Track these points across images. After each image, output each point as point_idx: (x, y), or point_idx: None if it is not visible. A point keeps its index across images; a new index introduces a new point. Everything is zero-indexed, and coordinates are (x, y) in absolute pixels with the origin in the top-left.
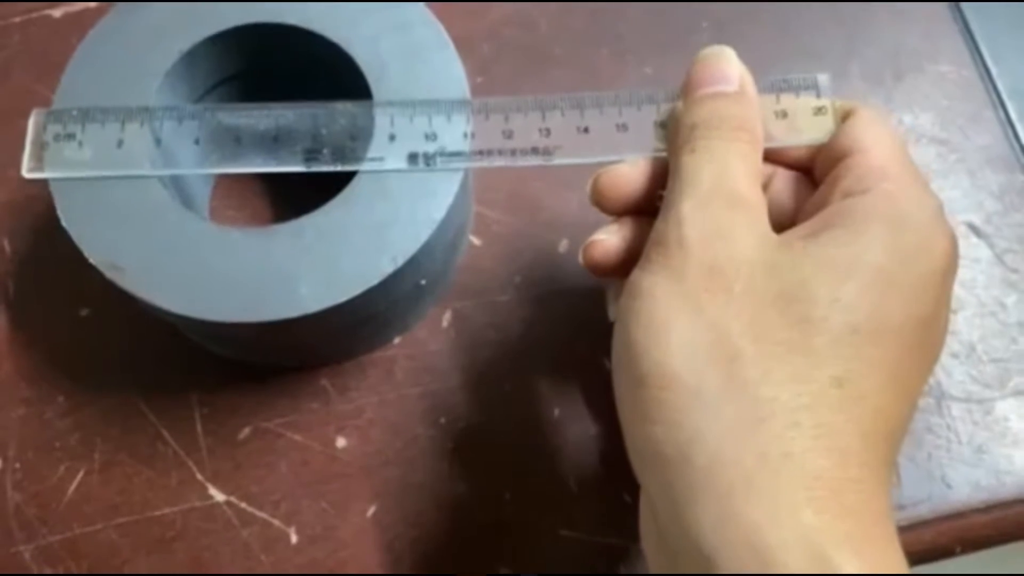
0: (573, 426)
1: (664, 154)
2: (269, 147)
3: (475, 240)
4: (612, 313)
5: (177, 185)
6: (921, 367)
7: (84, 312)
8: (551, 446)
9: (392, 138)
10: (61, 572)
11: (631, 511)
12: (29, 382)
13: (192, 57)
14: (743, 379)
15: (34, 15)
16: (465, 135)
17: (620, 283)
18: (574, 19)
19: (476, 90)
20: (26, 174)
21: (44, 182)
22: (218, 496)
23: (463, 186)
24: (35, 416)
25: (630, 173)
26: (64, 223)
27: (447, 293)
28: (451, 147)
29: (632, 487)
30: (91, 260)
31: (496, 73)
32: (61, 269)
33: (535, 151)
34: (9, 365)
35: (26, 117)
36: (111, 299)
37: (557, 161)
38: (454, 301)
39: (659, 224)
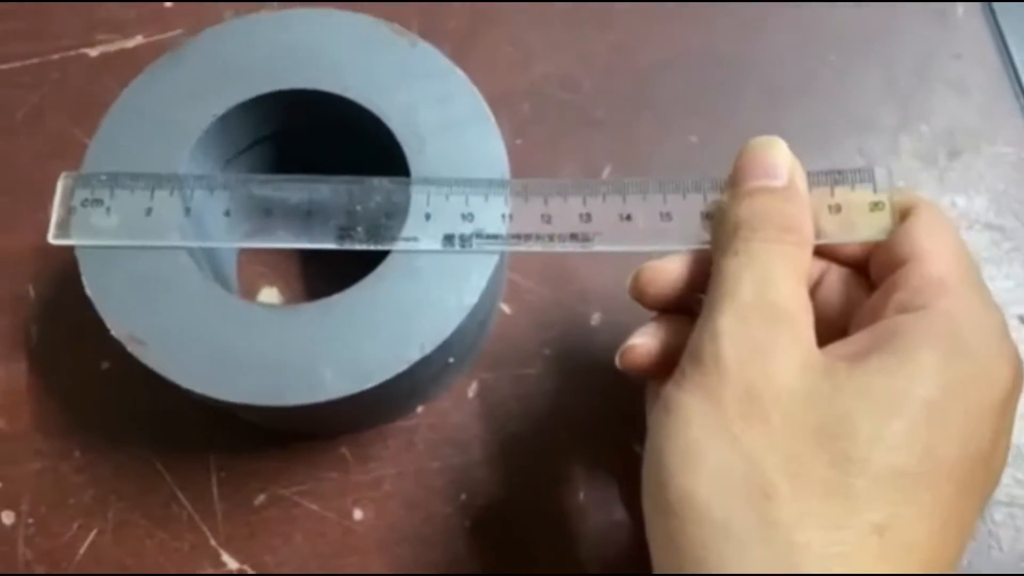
0: (598, 512)
1: (709, 247)
2: (301, 221)
3: (506, 308)
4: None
5: (205, 247)
6: (975, 504)
7: (105, 365)
8: (574, 532)
9: (428, 217)
10: None
11: None
12: (45, 434)
13: (226, 120)
14: (775, 519)
15: (71, 53)
16: (503, 217)
17: (657, 384)
18: (619, 81)
19: (514, 152)
20: (52, 240)
21: None
22: (231, 564)
23: (498, 267)
24: (50, 470)
25: (672, 269)
26: (88, 292)
27: (474, 364)
28: (488, 229)
29: None
30: (113, 333)
31: (534, 134)
32: (85, 319)
33: (574, 237)
34: (27, 415)
35: (60, 159)
36: (133, 354)
37: (596, 248)
38: (481, 372)
39: (696, 335)
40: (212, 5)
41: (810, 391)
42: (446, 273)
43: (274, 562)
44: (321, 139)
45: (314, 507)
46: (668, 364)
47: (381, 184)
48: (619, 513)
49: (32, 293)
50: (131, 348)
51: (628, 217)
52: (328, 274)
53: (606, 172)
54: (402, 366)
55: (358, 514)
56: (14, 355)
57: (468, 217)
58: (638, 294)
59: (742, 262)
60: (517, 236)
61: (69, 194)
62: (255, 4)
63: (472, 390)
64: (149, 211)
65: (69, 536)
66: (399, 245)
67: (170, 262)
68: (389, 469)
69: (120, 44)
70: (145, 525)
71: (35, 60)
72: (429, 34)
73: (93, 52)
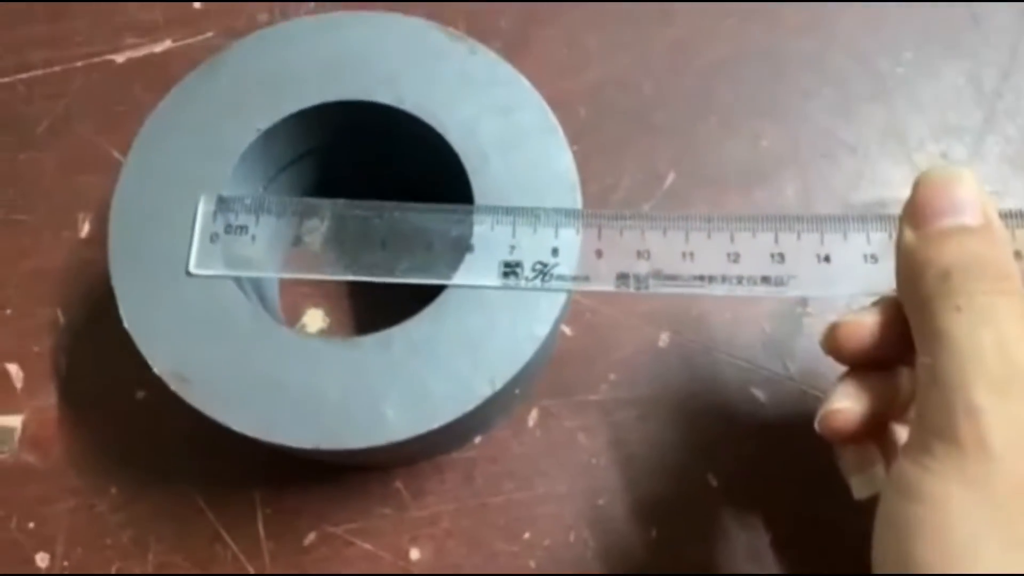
0: (672, 549)
1: (884, 294)
2: (461, 256)
3: (567, 329)
4: (858, 489)
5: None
6: None
7: (140, 395)
8: (648, 572)
9: (599, 254)
10: None
11: None
12: (79, 470)
13: (272, 135)
14: None
15: (96, 60)
16: (683, 255)
17: (856, 450)
18: (680, 82)
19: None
20: (194, 270)
21: (101, 248)
22: None
23: (568, 295)
24: (85, 508)
25: (871, 322)
26: (126, 324)
27: (535, 390)
28: (667, 269)
29: None
30: (156, 370)
31: (592, 141)
32: (117, 345)
33: (765, 280)
34: (59, 450)
35: (88, 174)
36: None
37: (791, 293)
38: (541, 398)
39: (937, 407)
40: (244, 6)
41: None
42: (513, 302)
43: None
44: (368, 154)
45: (367, 546)
46: (870, 428)
47: (548, 215)
48: (692, 549)
49: (61, 318)
50: (175, 387)
51: (827, 258)
52: (377, 297)
53: (669, 180)
54: (471, 404)
55: (415, 554)
56: (43, 386)
57: (644, 254)
58: (835, 350)
59: (971, 319)
60: (700, 277)
61: (211, 219)
62: (291, 4)
63: (533, 418)
64: (298, 240)
65: None
66: (568, 285)
67: (215, 291)
68: (447, 505)
69: (148, 49)
70: (188, 568)
71: (57, 68)
72: (476, 35)
73: (119, 58)
